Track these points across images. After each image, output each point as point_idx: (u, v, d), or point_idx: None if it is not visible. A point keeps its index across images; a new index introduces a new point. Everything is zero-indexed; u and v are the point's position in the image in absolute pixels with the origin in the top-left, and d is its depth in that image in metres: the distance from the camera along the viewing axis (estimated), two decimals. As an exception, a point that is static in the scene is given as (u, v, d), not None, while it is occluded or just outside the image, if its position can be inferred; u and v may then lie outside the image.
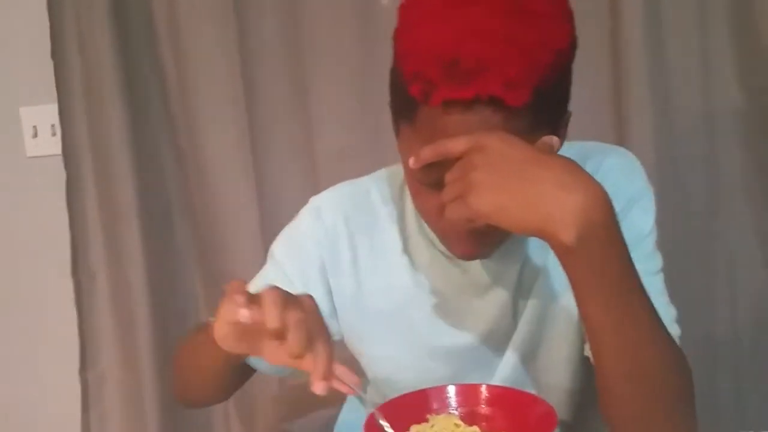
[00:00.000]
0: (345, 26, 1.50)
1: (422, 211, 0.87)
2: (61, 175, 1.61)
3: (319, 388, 0.73)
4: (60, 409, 1.74)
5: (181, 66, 1.58)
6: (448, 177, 0.75)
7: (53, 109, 1.61)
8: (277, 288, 0.74)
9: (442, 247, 0.94)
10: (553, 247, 0.73)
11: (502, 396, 0.84)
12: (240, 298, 0.72)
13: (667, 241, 1.47)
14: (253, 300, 0.73)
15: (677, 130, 1.49)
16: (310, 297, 0.77)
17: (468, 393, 0.84)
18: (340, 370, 0.76)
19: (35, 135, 1.69)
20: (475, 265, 0.94)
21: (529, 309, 0.94)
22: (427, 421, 0.80)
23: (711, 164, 1.51)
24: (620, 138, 1.47)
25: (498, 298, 0.94)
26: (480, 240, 0.83)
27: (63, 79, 1.58)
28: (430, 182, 0.80)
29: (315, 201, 1.01)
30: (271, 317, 0.71)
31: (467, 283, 0.95)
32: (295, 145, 1.59)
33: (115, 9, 1.54)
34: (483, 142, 0.72)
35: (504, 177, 0.71)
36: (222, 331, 0.77)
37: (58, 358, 1.72)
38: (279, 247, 1.01)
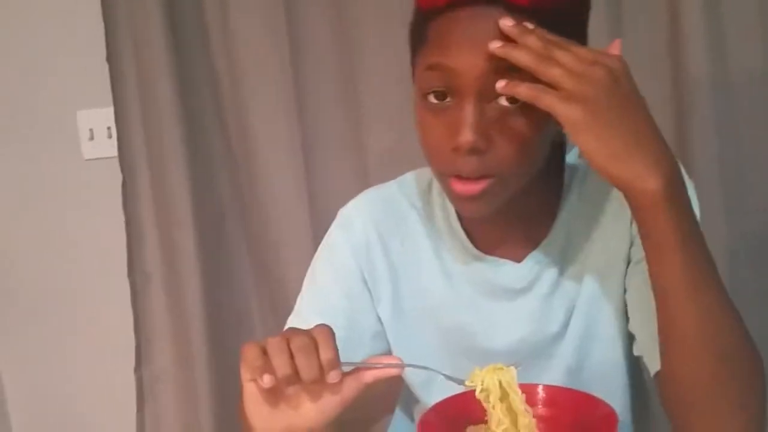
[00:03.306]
0: (394, 26, 1.48)
1: (427, 144, 0.84)
2: (117, 177, 1.64)
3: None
4: (116, 406, 1.77)
5: (234, 69, 1.59)
6: (569, 62, 0.72)
7: (109, 112, 1.63)
8: (281, 335, 0.74)
9: (473, 250, 0.94)
10: (637, 197, 0.72)
11: (561, 396, 0.82)
12: (257, 362, 0.72)
13: (725, 239, 1.43)
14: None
15: (739, 125, 1.45)
16: (319, 324, 0.76)
17: (525, 393, 0.82)
18: (376, 360, 0.77)
19: (92, 138, 1.72)
20: (508, 270, 0.93)
21: (575, 319, 0.93)
22: (485, 422, 0.78)
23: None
24: (680, 133, 1.44)
25: (528, 304, 0.93)
26: (479, 172, 0.80)
27: (118, 82, 1.60)
28: (437, 86, 0.80)
29: (343, 212, 1.01)
30: (280, 364, 0.71)
31: (498, 288, 0.94)
32: (345, 145, 1.60)
33: (168, 12, 1.56)
34: (613, 66, 0.72)
35: (616, 115, 0.71)
36: (254, 412, 0.78)
37: (114, 357, 1.75)
38: (318, 269, 1.00)
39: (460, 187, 0.81)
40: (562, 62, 0.72)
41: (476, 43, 0.77)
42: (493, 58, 0.76)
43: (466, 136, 0.78)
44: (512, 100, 0.78)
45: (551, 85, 0.73)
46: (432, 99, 0.81)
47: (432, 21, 0.80)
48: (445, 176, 0.83)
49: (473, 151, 0.79)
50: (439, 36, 0.80)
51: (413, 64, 0.86)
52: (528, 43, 0.74)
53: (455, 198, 0.84)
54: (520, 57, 0.74)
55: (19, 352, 1.82)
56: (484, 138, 0.78)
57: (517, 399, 0.76)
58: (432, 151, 0.84)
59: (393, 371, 0.77)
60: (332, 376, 0.73)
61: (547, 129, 0.82)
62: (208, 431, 1.67)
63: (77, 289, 1.79)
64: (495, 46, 0.75)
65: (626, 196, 0.74)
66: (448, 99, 0.80)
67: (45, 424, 1.84)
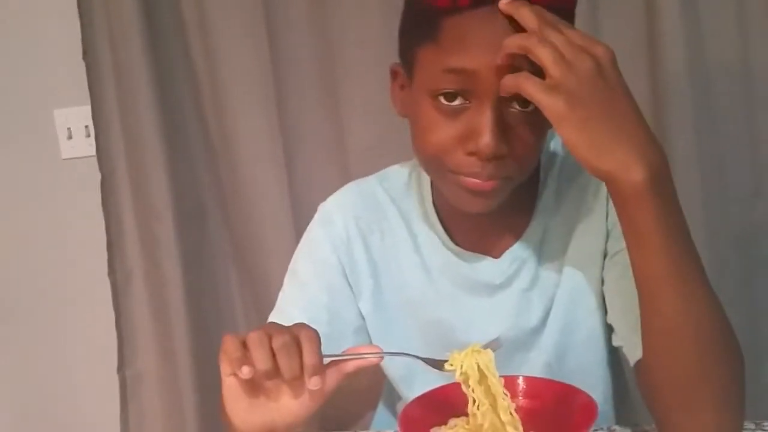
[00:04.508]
0: (374, 21, 1.49)
1: (436, 144, 0.82)
2: (96, 177, 1.63)
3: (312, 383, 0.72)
4: (99, 407, 1.76)
5: (212, 64, 1.59)
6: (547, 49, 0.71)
7: (87, 110, 1.62)
8: (262, 329, 0.73)
9: (452, 246, 0.94)
10: (621, 188, 0.71)
11: (541, 387, 0.83)
12: (235, 354, 0.72)
13: (704, 229, 1.44)
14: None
15: (717, 117, 1.47)
16: (305, 325, 0.76)
17: (505, 385, 0.83)
18: (355, 350, 0.77)
19: (70, 137, 1.71)
20: (486, 266, 0.93)
21: (554, 314, 0.93)
22: (467, 414, 0.79)
23: (753, 146, 1.48)
24: (659, 125, 1.45)
25: (507, 299, 0.94)
26: (495, 175, 0.80)
27: (95, 80, 1.59)
28: (452, 88, 0.78)
29: (323, 207, 1.01)
30: (259, 358, 0.71)
31: (477, 284, 0.94)
32: (326, 140, 1.59)
33: (144, 8, 1.55)
34: (600, 55, 0.71)
35: (598, 106, 0.70)
36: (233, 406, 0.77)
37: (96, 357, 1.74)
38: (300, 264, 1.00)
39: (472, 184, 0.81)
40: (555, 44, 0.72)
41: (496, 43, 0.75)
42: (511, 58, 0.75)
43: (489, 143, 0.77)
44: (524, 104, 0.78)
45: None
46: (443, 100, 0.80)
47: (446, 18, 0.78)
48: (452, 174, 0.83)
49: (494, 156, 0.78)
50: (458, 36, 0.77)
51: (411, 57, 0.84)
52: (523, 18, 0.73)
53: (461, 194, 0.84)
54: (526, 18, 0.73)
55: (0, 353, 1.80)
56: (503, 143, 0.78)
57: (495, 381, 0.76)
58: (441, 152, 0.82)
59: (373, 360, 0.77)
60: (313, 382, 0.72)
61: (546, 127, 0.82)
62: (192, 428, 1.67)
63: (57, 289, 1.77)
64: (504, 2, 0.74)
65: (609, 188, 0.74)
66: (458, 100, 0.79)
67: (29, 424, 1.83)
